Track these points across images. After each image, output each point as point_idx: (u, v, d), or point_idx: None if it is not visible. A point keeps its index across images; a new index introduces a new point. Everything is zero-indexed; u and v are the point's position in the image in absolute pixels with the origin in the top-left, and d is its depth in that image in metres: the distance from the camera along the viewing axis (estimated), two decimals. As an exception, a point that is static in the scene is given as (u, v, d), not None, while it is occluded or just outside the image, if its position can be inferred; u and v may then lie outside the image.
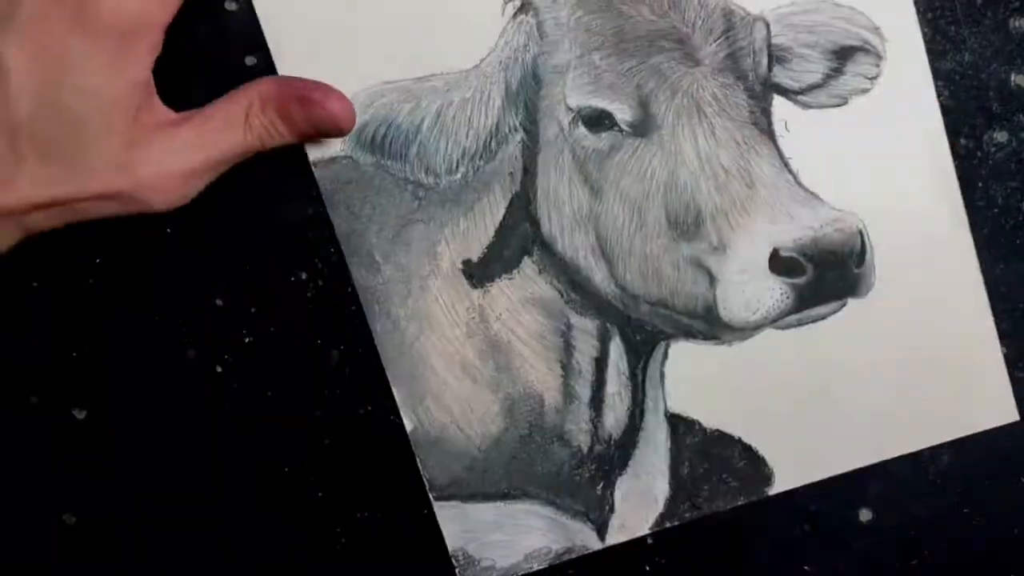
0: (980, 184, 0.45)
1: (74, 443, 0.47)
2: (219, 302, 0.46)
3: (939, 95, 0.44)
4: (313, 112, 0.41)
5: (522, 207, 0.45)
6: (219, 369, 0.46)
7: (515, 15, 0.43)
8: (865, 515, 0.47)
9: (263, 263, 0.45)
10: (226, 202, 0.44)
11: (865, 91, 0.44)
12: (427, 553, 0.47)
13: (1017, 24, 0.44)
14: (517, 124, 0.44)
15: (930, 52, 0.44)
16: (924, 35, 0.44)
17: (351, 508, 0.48)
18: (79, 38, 0.37)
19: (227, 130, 0.41)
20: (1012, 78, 0.44)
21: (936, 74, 0.44)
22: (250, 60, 0.43)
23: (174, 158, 0.40)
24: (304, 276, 0.45)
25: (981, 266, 0.46)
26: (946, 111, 0.45)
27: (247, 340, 0.46)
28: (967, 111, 0.45)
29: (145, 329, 0.46)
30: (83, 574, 0.48)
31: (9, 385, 0.47)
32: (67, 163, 0.38)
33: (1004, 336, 0.46)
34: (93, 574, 0.48)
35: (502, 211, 0.45)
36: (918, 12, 0.44)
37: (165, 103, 0.41)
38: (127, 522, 0.48)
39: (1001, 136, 0.45)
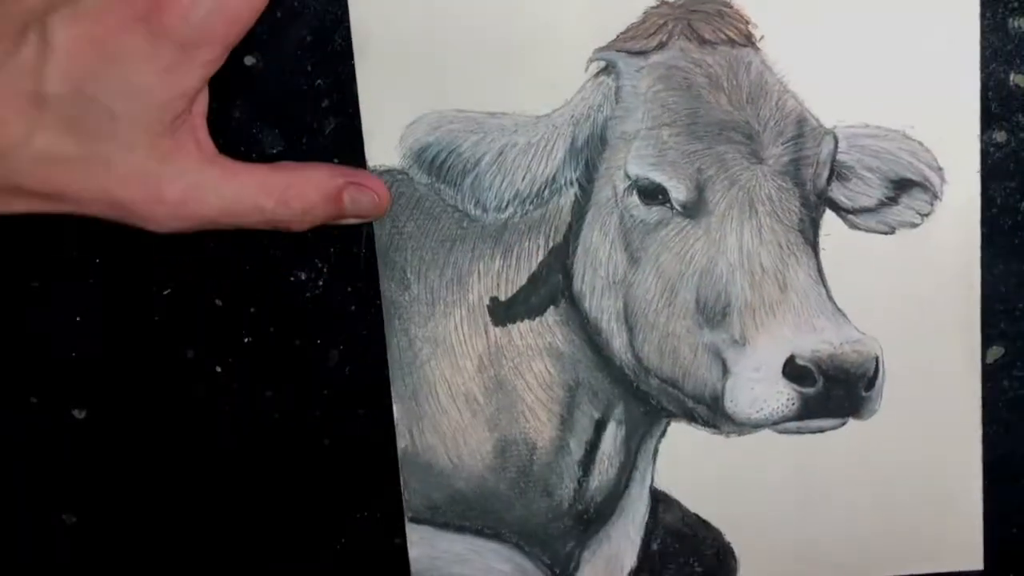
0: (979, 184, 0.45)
1: (74, 443, 0.47)
2: (219, 302, 0.46)
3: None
4: (364, 197, 0.42)
5: (559, 259, 0.45)
6: (219, 369, 0.46)
7: (597, 75, 0.44)
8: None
9: (263, 263, 0.45)
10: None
11: (914, 225, 0.45)
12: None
13: (1016, 24, 0.43)
14: (573, 179, 0.45)
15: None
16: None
17: (347, 510, 0.48)
18: (137, 37, 0.36)
19: (258, 196, 0.39)
20: (1011, 78, 0.44)
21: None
22: (248, 60, 0.43)
23: (196, 192, 0.38)
24: (304, 276, 0.45)
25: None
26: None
27: (247, 340, 0.46)
28: (966, 111, 0.44)
29: (145, 329, 0.46)
30: (83, 574, 0.48)
31: (9, 385, 0.46)
32: (87, 153, 0.37)
33: (1002, 337, 0.46)
34: (93, 574, 0.48)
35: (540, 258, 0.45)
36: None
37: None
38: (127, 522, 0.48)
39: (1000, 136, 0.44)
